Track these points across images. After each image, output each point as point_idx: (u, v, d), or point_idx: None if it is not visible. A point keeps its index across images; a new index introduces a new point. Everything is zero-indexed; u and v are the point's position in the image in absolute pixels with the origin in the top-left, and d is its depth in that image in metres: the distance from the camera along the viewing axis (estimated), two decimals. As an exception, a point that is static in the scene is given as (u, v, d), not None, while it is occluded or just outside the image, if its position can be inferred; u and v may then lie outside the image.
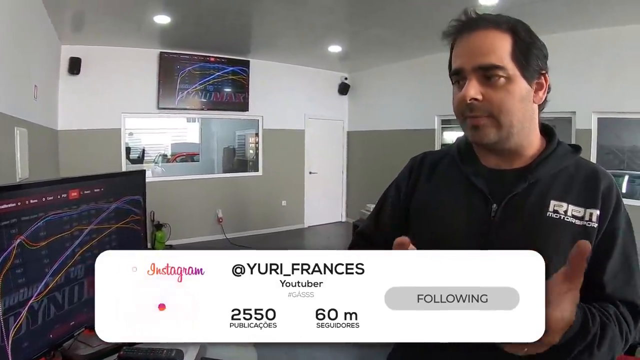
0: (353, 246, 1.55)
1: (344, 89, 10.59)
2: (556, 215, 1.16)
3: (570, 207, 1.16)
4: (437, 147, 8.62)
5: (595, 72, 6.25)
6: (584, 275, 0.89)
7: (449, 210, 1.17)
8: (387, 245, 1.32)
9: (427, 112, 8.69)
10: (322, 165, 10.52)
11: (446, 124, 8.85)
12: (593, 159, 6.38)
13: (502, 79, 1.11)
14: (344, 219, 10.84)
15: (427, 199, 1.31)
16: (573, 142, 5.97)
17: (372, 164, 10.01)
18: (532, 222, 1.16)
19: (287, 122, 9.81)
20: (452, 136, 9.43)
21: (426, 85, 8.69)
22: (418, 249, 1.15)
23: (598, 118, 6.40)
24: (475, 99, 1.12)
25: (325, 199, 10.64)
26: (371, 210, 4.75)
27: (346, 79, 10.60)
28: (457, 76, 1.17)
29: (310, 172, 10.28)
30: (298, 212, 10.17)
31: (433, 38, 7.50)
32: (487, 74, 1.11)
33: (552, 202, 1.17)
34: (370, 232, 1.51)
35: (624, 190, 6.82)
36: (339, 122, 10.86)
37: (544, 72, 1.19)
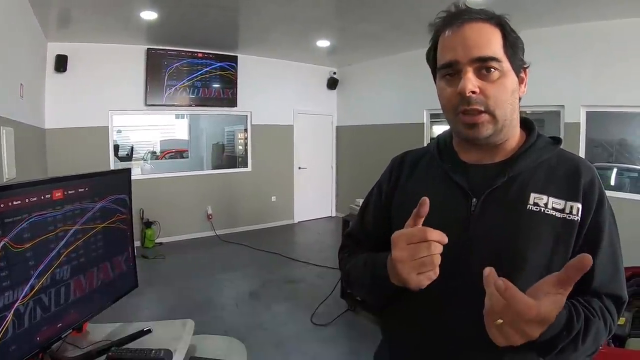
0: (343, 248, 1.59)
1: (332, 83, 10.58)
2: (536, 208, 1.16)
3: (551, 199, 1.17)
4: (427, 141, 8.66)
5: (584, 66, 6.30)
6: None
7: (430, 206, 1.13)
8: (373, 244, 1.38)
9: (416, 106, 8.72)
10: (312, 160, 10.53)
11: (435, 117, 8.88)
12: (582, 152, 6.46)
13: (496, 72, 1.12)
14: (333, 214, 10.88)
15: (407, 198, 1.29)
16: (562, 135, 6.07)
17: (362, 158, 10.04)
18: (513, 215, 1.16)
19: (276, 117, 9.81)
20: (441, 130, 9.44)
21: (415, 79, 8.69)
22: None
23: (587, 112, 6.45)
24: (473, 92, 1.10)
25: (315, 194, 10.65)
26: (360, 205, 4.70)
27: (335, 73, 10.61)
28: (449, 69, 1.14)
29: (299, 168, 10.27)
30: (288, 207, 10.18)
31: (421, 32, 7.53)
32: (484, 66, 1.11)
33: (532, 195, 1.17)
34: (356, 232, 1.55)
35: (612, 183, 6.90)
36: (328, 117, 10.86)
37: (526, 66, 1.23)
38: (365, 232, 1.50)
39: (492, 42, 1.12)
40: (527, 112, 7.46)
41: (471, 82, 1.10)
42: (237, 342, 2.38)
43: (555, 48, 6.53)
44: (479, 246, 1.15)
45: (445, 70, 1.15)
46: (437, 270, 1.01)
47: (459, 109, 1.14)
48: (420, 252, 1.00)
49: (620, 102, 5.98)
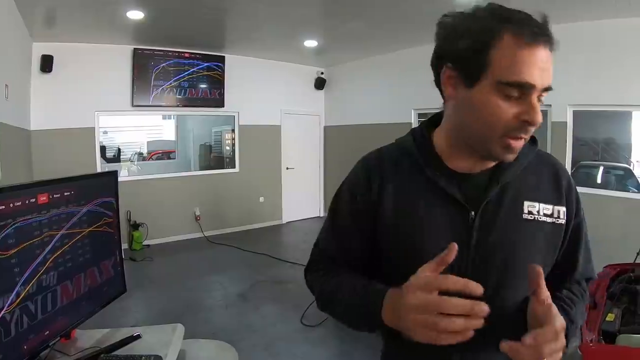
0: (314, 264, 1.41)
1: (320, 83, 10.58)
2: (531, 216, 1.15)
3: (541, 205, 1.17)
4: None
5: (571, 66, 6.34)
6: (561, 258, 1.19)
7: (427, 222, 1.13)
8: (352, 262, 1.30)
9: (403, 106, 8.75)
10: (299, 160, 10.53)
11: (423, 117, 8.88)
12: (569, 151, 6.57)
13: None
14: (322, 214, 10.84)
15: (398, 210, 1.19)
16: (549, 134, 6.13)
17: (350, 158, 9.86)
18: (511, 225, 1.14)
19: (263, 117, 9.78)
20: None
21: (402, 78, 8.74)
22: (394, 264, 1.19)
23: (574, 111, 6.54)
24: None
25: (303, 194, 10.65)
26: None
27: (322, 73, 10.60)
28: (518, 89, 0.98)
29: (287, 168, 10.26)
30: (276, 208, 10.15)
31: (408, 32, 7.59)
32: (542, 95, 1.01)
33: (526, 203, 1.16)
34: (331, 249, 1.35)
35: (598, 180, 6.98)
36: (316, 117, 10.86)
37: None
38: (343, 248, 1.31)
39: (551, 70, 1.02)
40: None
41: (540, 113, 1.01)
42: (228, 346, 2.36)
43: None
44: (483, 260, 1.12)
45: (510, 89, 0.98)
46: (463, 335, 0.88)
47: (511, 133, 1.02)
48: (441, 320, 0.88)
49: (606, 101, 6.07)
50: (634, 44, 5.93)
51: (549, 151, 6.64)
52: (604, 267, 4.31)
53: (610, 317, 3.27)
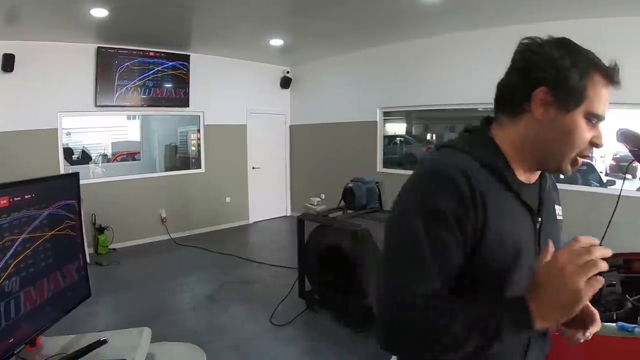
0: (415, 307, 1.12)
1: (286, 82, 10.57)
2: (559, 217, 1.42)
3: (558, 207, 1.44)
4: (380, 139, 8.82)
5: None
6: None
7: (516, 235, 1.22)
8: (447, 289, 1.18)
9: (368, 104, 8.84)
10: (265, 160, 10.51)
11: (388, 115, 8.98)
12: None
13: None
14: (289, 213, 10.88)
15: (501, 232, 1.19)
16: None
17: (315, 157, 10.12)
18: (554, 227, 1.38)
19: (228, 117, 9.73)
20: (393, 128, 9.58)
21: (368, 77, 8.83)
22: (485, 280, 1.22)
23: None
24: None
25: (269, 193, 10.65)
26: (317, 209, 4.59)
27: (288, 72, 10.58)
28: (595, 118, 1.20)
29: (253, 167, 10.22)
30: (242, 208, 10.10)
31: (374, 31, 7.65)
32: None
33: (556, 207, 1.42)
34: (430, 284, 1.14)
35: (562, 176, 7.20)
36: (281, 116, 10.86)
37: None
38: (448, 277, 1.16)
39: None
40: (479, 109, 7.70)
41: None
42: (196, 348, 2.34)
43: (506, 48, 6.69)
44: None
45: (592, 116, 1.19)
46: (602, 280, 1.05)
47: (583, 152, 1.23)
48: (584, 257, 1.04)
49: None
50: (594, 44, 6.07)
51: None
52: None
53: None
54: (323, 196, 8.89)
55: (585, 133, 1.19)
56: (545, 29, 4.96)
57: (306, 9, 6.18)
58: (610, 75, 1.18)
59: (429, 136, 9.85)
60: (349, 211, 5.58)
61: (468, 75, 7.34)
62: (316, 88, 10.21)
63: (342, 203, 5.70)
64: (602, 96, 1.18)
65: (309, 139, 10.46)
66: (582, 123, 1.19)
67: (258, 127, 10.24)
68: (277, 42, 8.19)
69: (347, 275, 4.72)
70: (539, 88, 1.19)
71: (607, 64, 1.20)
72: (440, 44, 7.68)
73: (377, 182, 5.98)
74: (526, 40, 1.28)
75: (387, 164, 9.01)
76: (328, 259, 5.03)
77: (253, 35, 7.67)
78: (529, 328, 1.06)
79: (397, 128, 9.84)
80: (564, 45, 1.22)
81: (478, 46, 7.17)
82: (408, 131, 9.87)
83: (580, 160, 1.24)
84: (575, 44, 1.23)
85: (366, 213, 5.56)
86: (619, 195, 3.29)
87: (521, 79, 1.24)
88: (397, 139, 9.80)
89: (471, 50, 7.29)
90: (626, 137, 2.63)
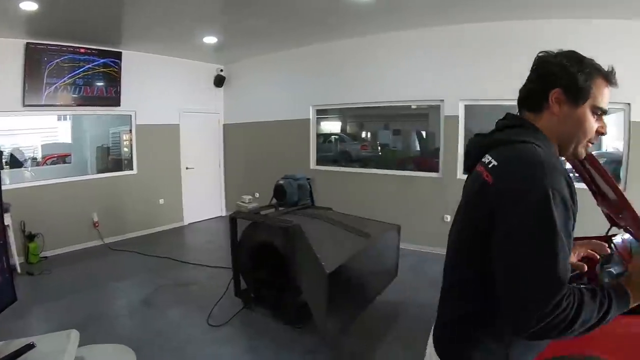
0: (565, 297, 1.22)
1: (219, 81, 10.56)
2: None
3: None
4: (312, 137, 8.93)
5: (462, 63, 7.03)
6: None
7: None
8: None
9: (302, 103, 8.98)
10: (199, 159, 10.47)
11: (322, 114, 9.09)
12: (460, 142, 7.18)
13: None
14: (224, 213, 10.88)
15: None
16: (442, 128, 6.70)
17: (250, 155, 10.19)
18: None
19: (161, 116, 9.60)
20: (329, 126, 9.72)
21: (301, 76, 8.97)
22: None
23: (465, 105, 7.10)
24: None
25: (204, 194, 10.62)
26: (249, 206, 4.68)
27: (222, 70, 10.57)
28: (599, 111, 1.53)
29: (187, 168, 10.15)
30: (177, 209, 10.01)
31: (306, 29, 7.74)
32: None
33: None
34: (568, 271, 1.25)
35: None
36: (215, 114, 10.85)
37: None
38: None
39: None
40: (413, 106, 7.96)
41: None
42: (126, 349, 2.35)
43: (437, 47, 7.17)
44: None
45: (597, 110, 1.52)
46: None
47: (592, 139, 1.57)
48: None
49: (493, 95, 6.62)
50: (514, 43, 6.50)
51: (442, 143, 7.08)
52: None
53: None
54: (257, 195, 8.95)
55: (593, 123, 1.53)
56: (469, 30, 5.29)
57: (239, 7, 6.20)
58: (609, 77, 1.52)
59: (363, 134, 10.04)
60: (280, 208, 5.68)
61: (400, 74, 7.60)
62: (250, 86, 10.24)
63: (274, 200, 5.77)
64: (604, 94, 1.52)
65: (243, 138, 10.50)
66: (589, 115, 1.52)
67: (191, 126, 10.18)
68: (210, 39, 8.17)
69: (281, 272, 4.79)
70: (555, 89, 1.51)
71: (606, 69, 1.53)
72: (373, 43, 7.93)
73: (308, 179, 6.10)
74: (542, 54, 1.60)
75: (322, 161, 9.14)
76: (261, 256, 5.09)
77: (186, 32, 7.62)
78: (627, 308, 1.35)
79: (333, 126, 9.98)
80: (572, 56, 1.53)
81: (410, 45, 7.45)
82: (343, 129, 10.02)
83: (591, 146, 1.59)
84: (580, 54, 1.54)
85: (298, 209, 5.68)
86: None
87: (540, 83, 1.56)
88: (332, 137, 9.93)
89: (403, 50, 7.57)
90: None
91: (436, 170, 7.73)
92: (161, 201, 9.65)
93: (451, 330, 1.61)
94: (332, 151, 9.81)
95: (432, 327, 1.76)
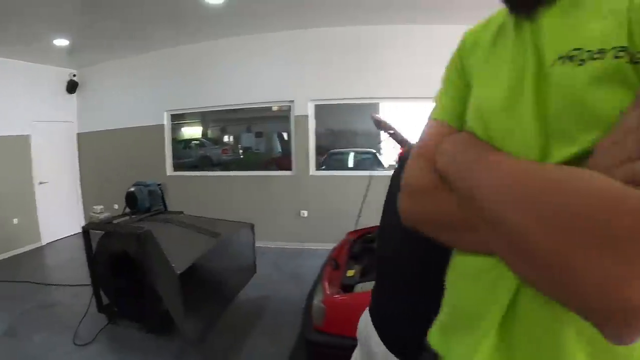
0: None
1: (72, 87, 10.09)
2: None
3: None
4: (168, 143, 9.02)
5: (310, 65, 7.60)
6: None
7: None
8: None
9: (156, 108, 9.06)
10: (54, 172, 10.00)
11: (180, 119, 9.23)
12: (311, 140, 7.80)
13: None
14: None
15: None
16: (292, 127, 7.16)
17: (107, 165, 10.06)
18: None
19: (8, 127, 8.83)
20: (189, 131, 9.96)
21: (155, 80, 9.02)
22: None
23: (315, 105, 7.60)
24: None
25: (61, 209, 10.20)
26: (100, 217, 4.83)
27: (75, 75, 10.13)
28: None
29: (40, 182, 9.64)
30: (32, 229, 9.45)
31: (161, 32, 7.81)
32: None
33: None
34: None
35: (350, 164, 8.30)
36: (69, 123, 10.39)
37: None
38: None
39: None
40: (273, 108, 8.40)
41: None
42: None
43: (285, 50, 7.58)
44: None
45: None
46: None
47: None
48: None
49: (342, 95, 7.23)
50: (363, 46, 7.07)
51: (293, 142, 7.52)
52: (347, 234, 5.14)
53: (350, 273, 4.05)
54: (116, 206, 8.87)
55: None
56: (316, 34, 5.84)
57: (92, 8, 6.06)
58: None
59: (226, 138, 10.26)
60: (133, 216, 5.80)
61: (253, 76, 7.95)
62: (105, 93, 9.99)
63: (128, 209, 5.89)
64: None
65: (99, 147, 10.23)
66: None
67: (43, 136, 9.62)
68: (61, 42, 7.81)
69: (139, 280, 4.87)
70: None
71: None
72: (225, 47, 8.19)
73: (159, 184, 6.29)
74: None
75: (182, 167, 9.27)
76: (118, 267, 5.14)
77: (33, 34, 7.15)
78: None
79: (194, 131, 10.09)
80: None
81: (260, 48, 7.84)
82: (205, 134, 10.17)
83: None
84: None
85: (150, 216, 5.86)
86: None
87: None
88: (193, 142, 10.05)
89: (254, 52, 7.95)
90: (379, 123, 3.12)
91: (290, 168, 8.13)
92: (15, 221, 9.06)
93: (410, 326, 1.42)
94: (192, 157, 9.94)
95: (373, 324, 1.74)
